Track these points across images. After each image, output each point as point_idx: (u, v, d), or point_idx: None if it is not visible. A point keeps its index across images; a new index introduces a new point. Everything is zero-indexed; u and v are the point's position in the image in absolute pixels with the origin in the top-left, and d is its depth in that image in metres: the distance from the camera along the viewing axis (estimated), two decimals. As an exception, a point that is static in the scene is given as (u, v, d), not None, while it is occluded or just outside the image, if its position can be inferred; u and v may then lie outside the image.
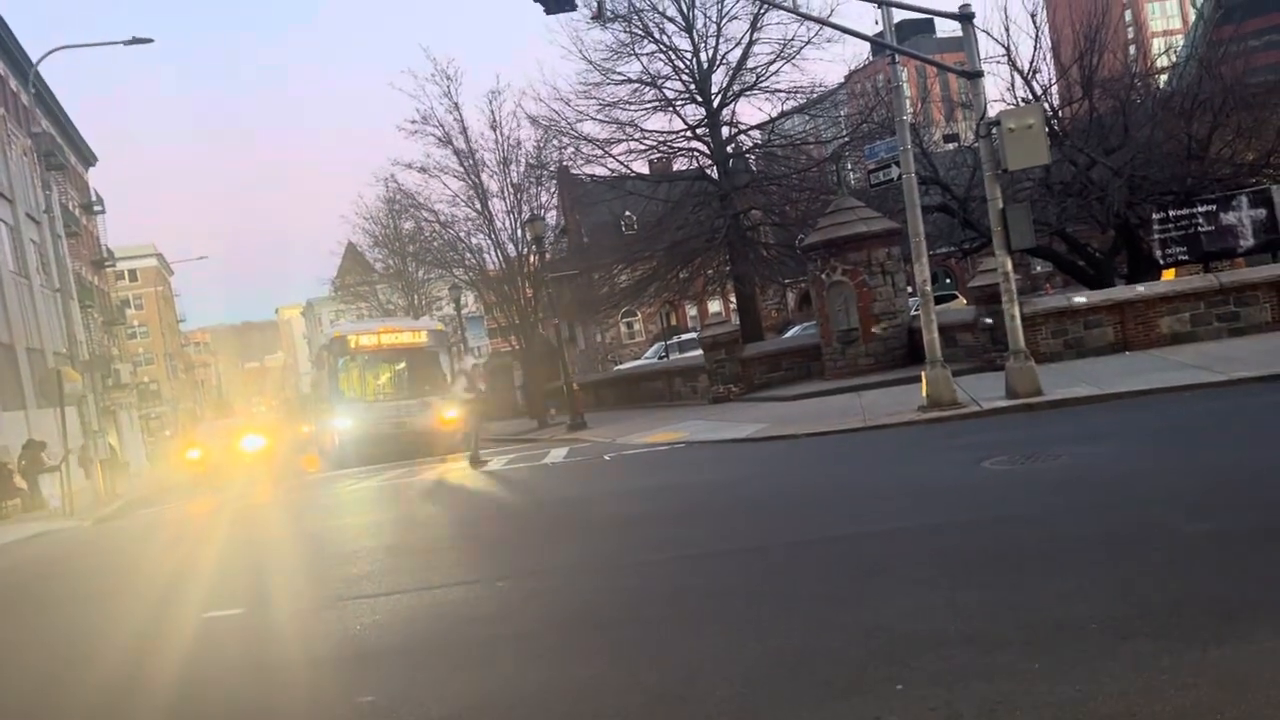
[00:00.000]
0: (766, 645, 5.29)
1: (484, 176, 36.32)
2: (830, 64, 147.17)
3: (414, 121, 35.63)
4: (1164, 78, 32.70)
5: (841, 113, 37.48)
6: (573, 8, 14.39)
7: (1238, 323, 18.51)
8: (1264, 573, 5.41)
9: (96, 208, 59.41)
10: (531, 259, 35.44)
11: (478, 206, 36.54)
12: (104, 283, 62.19)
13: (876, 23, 16.78)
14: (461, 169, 36.13)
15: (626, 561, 7.99)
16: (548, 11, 13.96)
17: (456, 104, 35.78)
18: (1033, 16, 27.25)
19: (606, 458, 17.14)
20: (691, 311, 57.83)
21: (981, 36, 19.04)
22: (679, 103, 30.98)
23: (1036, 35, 26.71)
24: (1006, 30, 30.77)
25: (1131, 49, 50.86)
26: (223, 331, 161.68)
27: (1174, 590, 5.29)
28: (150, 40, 28.64)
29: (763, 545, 8.00)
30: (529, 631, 6.12)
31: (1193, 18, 48.08)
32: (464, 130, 35.71)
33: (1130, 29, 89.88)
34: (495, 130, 35.77)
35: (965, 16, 15.07)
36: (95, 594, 10.30)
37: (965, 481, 9.61)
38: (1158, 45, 65.58)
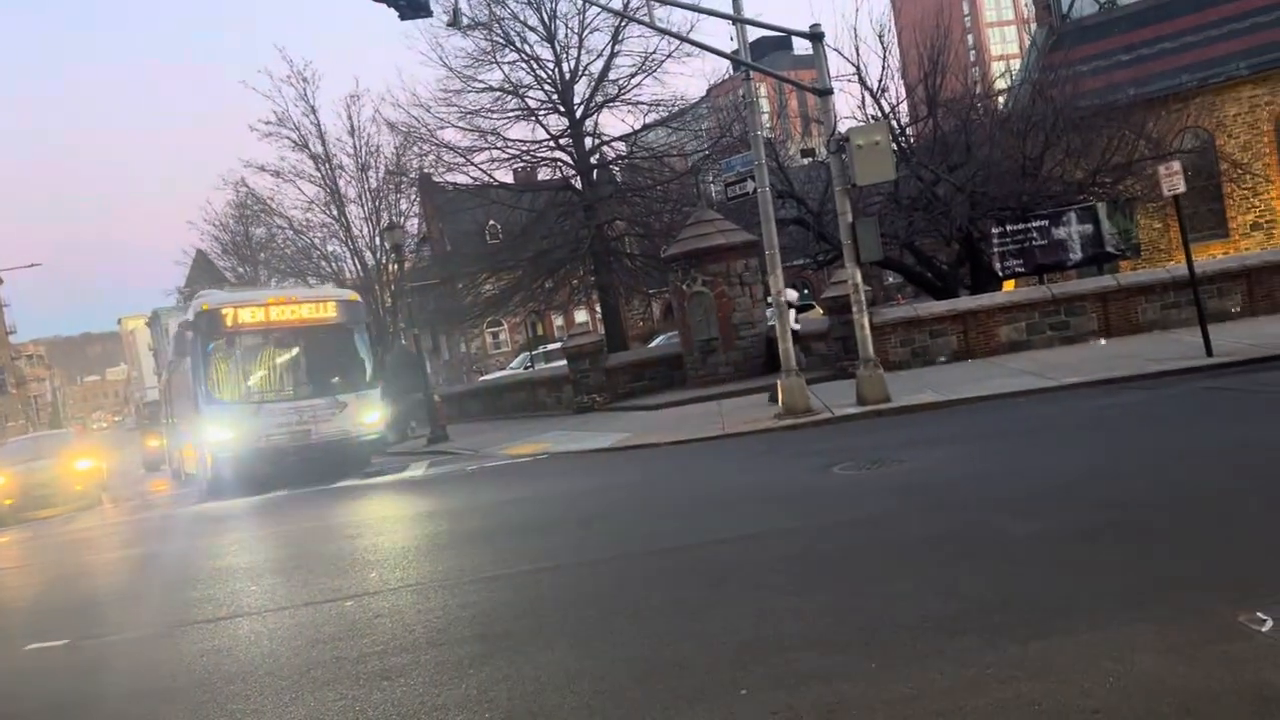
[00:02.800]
0: (617, 656, 5.30)
1: (341, 182, 35.47)
2: (691, 78, 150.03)
3: (268, 123, 34.52)
4: (1002, 99, 34.57)
5: (702, 126, 38.14)
6: (428, 14, 14.17)
7: (1068, 331, 19.70)
8: (1084, 570, 5.74)
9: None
10: (391, 267, 34.72)
11: (334, 212, 35.64)
12: (-78, 291, 57.71)
13: (732, 39, 17.16)
14: (318, 174, 35.20)
15: (481, 576, 7.87)
16: (402, 18, 13.71)
17: (314, 107, 34.94)
18: (880, 37, 28.44)
19: (468, 470, 16.90)
20: (558, 321, 57.73)
21: (833, 55, 19.71)
22: (542, 112, 30.95)
23: (884, 55, 27.92)
24: (856, 50, 32.06)
25: (973, 71, 53.59)
26: (59, 344, 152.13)
27: (1002, 589, 5.56)
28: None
29: (619, 555, 8.02)
30: (376, 652, 5.95)
31: (1028, 44, 51.04)
32: (321, 134, 34.83)
33: (972, 53, 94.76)
34: (353, 135, 35.00)
35: (815, 35, 15.56)
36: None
37: (816, 487, 9.87)
38: (997, 69, 69.37)
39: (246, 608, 7.77)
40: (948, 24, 31.80)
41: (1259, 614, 4.46)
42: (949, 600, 5.44)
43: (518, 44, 29.99)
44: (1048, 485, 8.29)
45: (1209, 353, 14.79)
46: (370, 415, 19.21)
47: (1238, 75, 31.86)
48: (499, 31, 29.69)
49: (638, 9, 25.53)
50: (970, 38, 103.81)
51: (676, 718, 4.38)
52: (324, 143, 34.74)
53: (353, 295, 20.48)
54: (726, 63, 29.86)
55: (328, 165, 34.95)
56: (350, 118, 35.98)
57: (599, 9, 26.46)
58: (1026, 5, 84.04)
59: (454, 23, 16.65)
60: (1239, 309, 19.28)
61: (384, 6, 13.52)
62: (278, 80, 35.80)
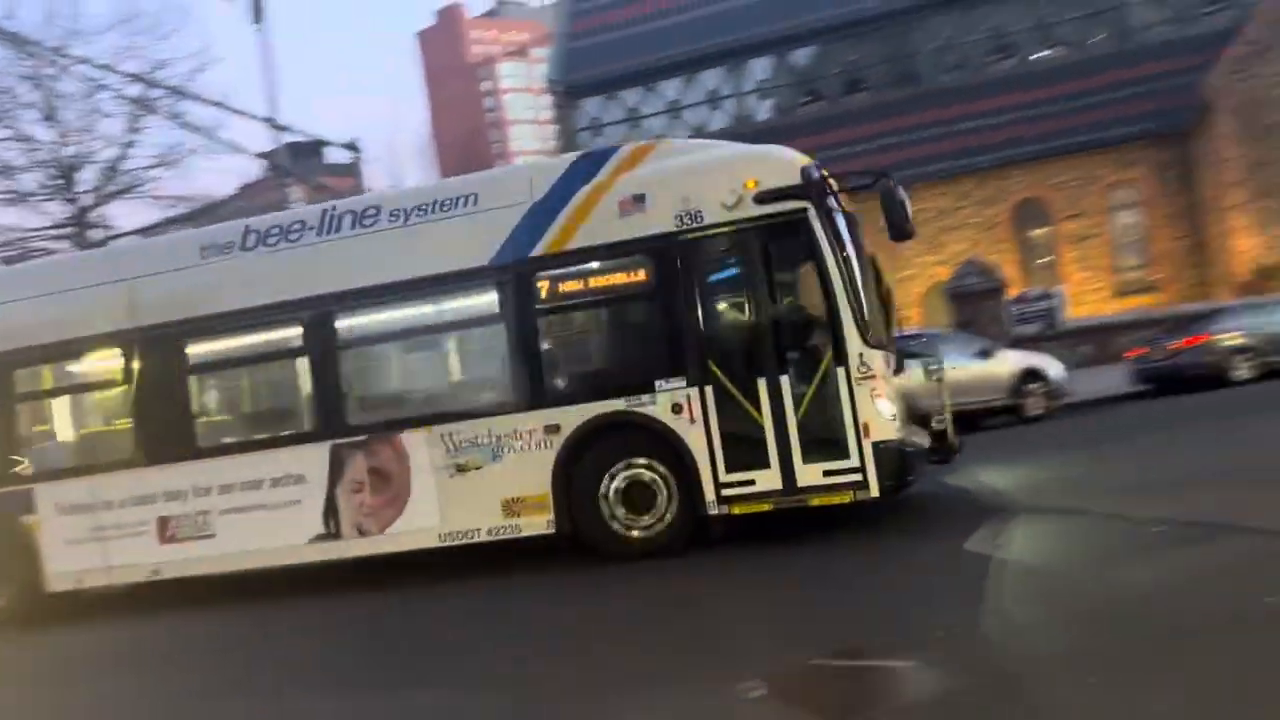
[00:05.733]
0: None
1: None
2: (224, 175, 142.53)
3: None
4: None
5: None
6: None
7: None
8: (608, 651, 6.09)
9: None
10: None
11: None
12: None
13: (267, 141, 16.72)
14: None
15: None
16: None
17: None
18: (421, 153, 29.43)
19: None
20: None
21: (376, 165, 20.01)
22: (39, 198, 27.49)
23: (427, 170, 28.79)
24: (394, 167, 32.95)
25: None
26: None
27: (520, 673, 5.75)
28: None
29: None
30: None
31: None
32: None
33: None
34: None
35: (352, 147, 15.81)
36: None
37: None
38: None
39: None
40: (482, 146, 33.79)
41: (754, 682, 5.05)
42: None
43: (8, 121, 26.61)
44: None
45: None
46: None
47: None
48: (-14, 106, 26.09)
49: (155, 99, 24.08)
50: (499, 163, 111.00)
51: None
52: None
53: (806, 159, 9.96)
54: (264, 161, 28.97)
55: None
56: None
57: (112, 93, 24.40)
58: (547, 139, 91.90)
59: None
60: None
61: None
62: None
